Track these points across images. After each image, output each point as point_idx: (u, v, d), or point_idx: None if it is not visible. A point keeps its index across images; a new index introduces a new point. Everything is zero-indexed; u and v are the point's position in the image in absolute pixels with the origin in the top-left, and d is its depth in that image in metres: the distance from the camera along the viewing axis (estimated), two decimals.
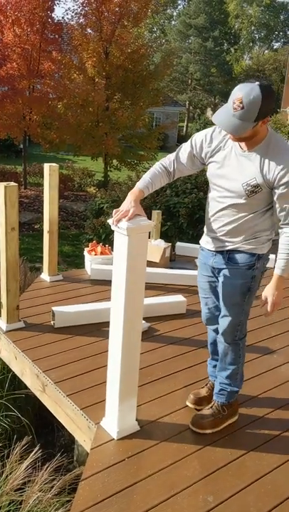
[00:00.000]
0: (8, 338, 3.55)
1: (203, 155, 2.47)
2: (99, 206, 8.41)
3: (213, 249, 2.54)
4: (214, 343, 2.81)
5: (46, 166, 4.31)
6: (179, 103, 32.46)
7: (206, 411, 2.74)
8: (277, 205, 2.34)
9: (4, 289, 3.59)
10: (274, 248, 2.47)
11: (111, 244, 5.19)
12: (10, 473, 2.89)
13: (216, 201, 2.46)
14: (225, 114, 2.18)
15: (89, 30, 14.76)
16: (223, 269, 2.51)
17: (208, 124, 28.93)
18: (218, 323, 2.65)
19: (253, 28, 43.10)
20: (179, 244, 5.74)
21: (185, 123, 37.22)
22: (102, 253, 4.87)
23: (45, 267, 4.64)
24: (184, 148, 2.51)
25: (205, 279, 2.67)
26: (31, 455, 2.93)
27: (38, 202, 13.66)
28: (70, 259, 9.55)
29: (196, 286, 2.78)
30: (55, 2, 13.98)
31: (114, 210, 2.35)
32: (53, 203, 4.39)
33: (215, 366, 2.83)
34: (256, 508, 2.25)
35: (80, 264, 7.31)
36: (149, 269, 4.47)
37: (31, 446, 3.08)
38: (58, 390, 2.99)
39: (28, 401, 3.85)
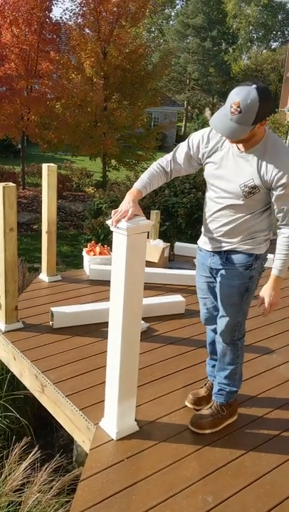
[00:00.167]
0: (7, 338, 3.54)
1: (200, 155, 2.46)
2: (97, 206, 8.39)
3: (211, 250, 2.54)
4: (213, 343, 2.81)
5: (44, 166, 4.31)
6: (177, 103, 32.48)
7: (205, 411, 2.74)
8: (275, 206, 2.34)
9: (3, 289, 3.59)
10: (272, 248, 2.47)
11: (110, 244, 5.19)
12: (9, 474, 2.88)
13: (213, 202, 2.46)
14: (222, 118, 2.17)
15: (87, 30, 14.75)
16: (221, 269, 2.51)
17: (206, 123, 28.92)
18: (216, 323, 2.65)
19: (251, 27, 43.06)
20: (177, 244, 5.74)
21: (183, 123, 37.26)
22: (100, 253, 4.87)
23: (43, 268, 4.64)
24: (181, 149, 2.51)
25: (203, 280, 2.67)
26: (30, 456, 2.93)
27: (37, 202, 13.66)
28: (69, 259, 9.54)
29: (195, 286, 2.79)
30: (53, 2, 13.96)
31: (112, 211, 2.35)
32: (52, 204, 4.39)
33: (214, 366, 2.83)
34: (255, 508, 2.25)
35: (79, 265, 7.31)
36: (148, 269, 4.47)
37: (30, 447, 3.07)
38: (56, 390, 2.99)
39: (27, 402, 3.85)
